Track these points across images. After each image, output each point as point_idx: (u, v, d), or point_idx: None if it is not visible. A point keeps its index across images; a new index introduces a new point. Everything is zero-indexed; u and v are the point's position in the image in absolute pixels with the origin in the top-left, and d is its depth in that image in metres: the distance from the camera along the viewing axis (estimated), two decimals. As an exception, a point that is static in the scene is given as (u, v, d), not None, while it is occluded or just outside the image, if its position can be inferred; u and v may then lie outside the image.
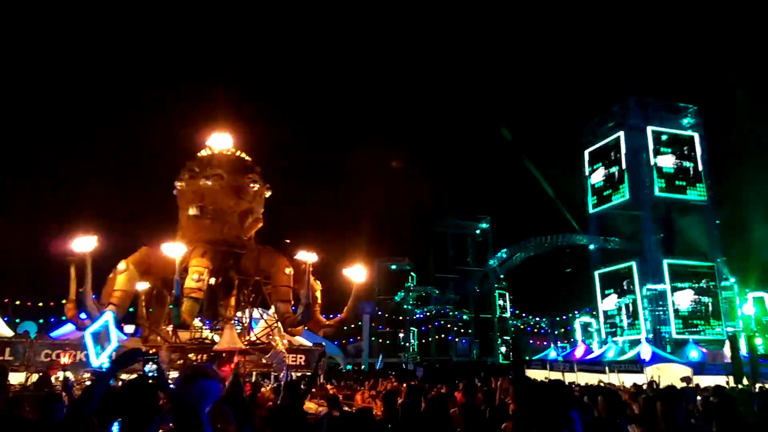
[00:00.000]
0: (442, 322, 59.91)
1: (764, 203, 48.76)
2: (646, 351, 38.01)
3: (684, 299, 43.18)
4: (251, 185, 12.28)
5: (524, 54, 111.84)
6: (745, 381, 14.15)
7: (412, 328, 59.08)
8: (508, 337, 59.17)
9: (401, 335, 59.64)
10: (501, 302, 59.31)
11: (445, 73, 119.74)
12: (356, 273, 10.36)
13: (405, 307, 57.68)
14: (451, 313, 59.08)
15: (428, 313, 59.00)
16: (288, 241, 10.78)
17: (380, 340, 57.24)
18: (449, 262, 59.76)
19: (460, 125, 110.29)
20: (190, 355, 11.04)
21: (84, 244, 9.03)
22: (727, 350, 33.09)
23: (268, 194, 12.86)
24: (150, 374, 3.71)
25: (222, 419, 4.87)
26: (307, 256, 10.21)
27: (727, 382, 23.42)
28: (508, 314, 59.96)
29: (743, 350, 25.38)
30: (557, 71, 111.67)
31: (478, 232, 61.43)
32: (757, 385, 11.51)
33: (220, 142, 12.68)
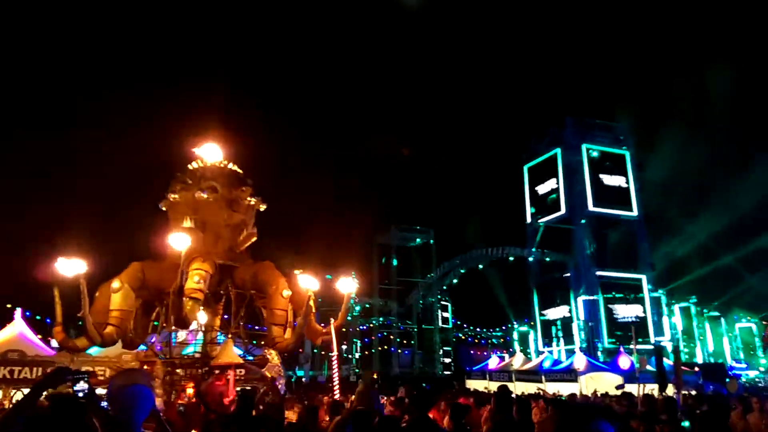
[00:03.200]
0: (385, 333, 59.98)
1: (690, 219, 51.73)
2: (580, 360, 39.31)
3: (621, 310, 45.04)
4: (245, 198, 12.03)
5: (468, 73, 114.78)
6: (670, 389, 15.02)
7: (354, 340, 58.81)
8: (450, 348, 59.85)
9: (344, 347, 59.28)
10: (443, 314, 60.03)
11: (393, 90, 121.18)
12: (346, 285, 10.30)
13: (348, 318, 57.48)
14: (394, 325, 59.25)
15: (371, 325, 58.94)
16: (298, 271, 10.47)
17: (323, 352, 56.71)
18: (393, 274, 60.05)
19: (406, 140, 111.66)
20: (179, 371, 10.68)
21: (72, 266, 8.45)
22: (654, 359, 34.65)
23: (262, 207, 12.60)
24: (80, 394, 3.49)
25: None
26: (310, 284, 9.99)
27: (641, 388, 24.52)
28: (450, 325, 60.70)
29: (668, 360, 26.63)
30: (498, 92, 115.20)
31: (421, 243, 62.05)
32: (682, 392, 12.17)
33: (210, 153, 12.32)
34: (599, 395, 18.06)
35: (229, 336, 11.48)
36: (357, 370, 56.53)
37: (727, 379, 25.92)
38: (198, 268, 10.62)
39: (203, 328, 12.14)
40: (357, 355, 60.60)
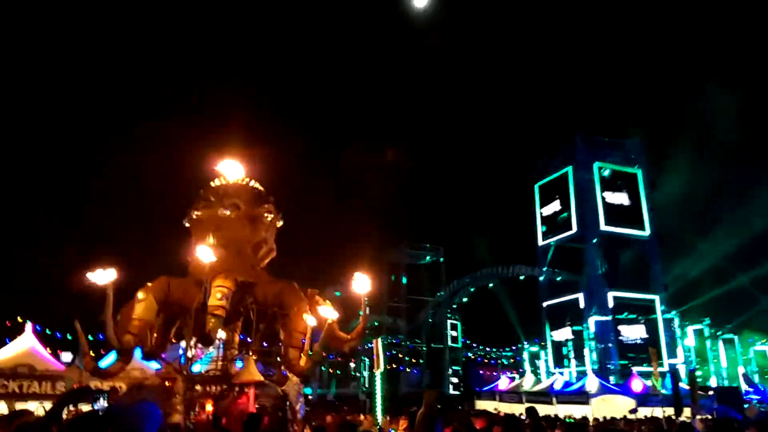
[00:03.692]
0: (394, 352, 59.61)
1: (703, 239, 51.21)
2: (592, 382, 38.78)
3: (628, 331, 44.49)
4: (266, 215, 12.16)
5: (479, 91, 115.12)
6: (687, 412, 14.70)
7: (363, 358, 58.45)
8: (459, 368, 59.29)
9: (352, 365, 58.89)
10: (452, 332, 59.60)
11: (404, 107, 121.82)
12: (361, 283, 10.28)
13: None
14: (402, 343, 58.89)
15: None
16: (320, 299, 10.59)
17: (330, 370, 56.31)
18: (402, 292, 59.85)
19: (416, 156, 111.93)
20: (197, 387, 10.73)
21: (104, 276, 8.82)
22: (667, 382, 34.09)
23: (280, 224, 12.72)
24: (100, 411, 3.53)
25: None
26: (329, 314, 10.06)
27: (664, 413, 24.07)
28: (459, 344, 60.23)
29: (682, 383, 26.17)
30: (508, 110, 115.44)
31: (431, 261, 61.88)
32: (697, 417, 11.89)
33: (232, 170, 12.49)
34: (616, 419, 17.76)
35: (251, 354, 11.48)
36: (365, 389, 56.11)
37: (746, 405, 25.40)
38: (220, 285, 10.68)
39: (218, 345, 12.19)
40: (365, 374, 60.20)
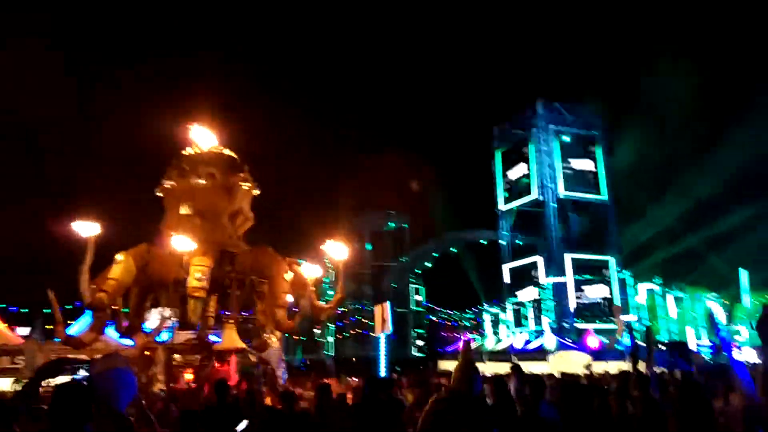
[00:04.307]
0: (359, 317, 60.37)
1: (657, 202, 53.19)
2: (550, 341, 40.40)
3: (590, 291, 46.25)
4: (242, 184, 11.93)
5: (440, 60, 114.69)
6: (641, 366, 15.60)
7: (328, 324, 59.02)
8: (423, 331, 60.60)
9: (317, 331, 59.44)
10: (416, 297, 60.68)
11: (366, 74, 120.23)
12: (336, 249, 10.38)
13: (322, 302, 57.41)
14: (367, 308, 59.66)
15: (345, 309, 59.20)
16: (302, 261, 10.53)
17: (295, 337, 56.77)
18: (366, 258, 60.30)
19: (380, 124, 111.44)
20: (176, 356, 10.68)
21: (87, 228, 8.65)
22: (624, 338, 35.80)
23: (256, 192, 12.47)
24: (82, 382, 3.54)
25: (146, 423, 4.69)
26: (312, 271, 10.09)
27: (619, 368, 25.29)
28: (422, 308, 61.41)
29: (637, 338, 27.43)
30: (468, 77, 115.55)
31: (395, 227, 62.38)
32: (657, 369, 12.64)
33: (204, 138, 12.08)
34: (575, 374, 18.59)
35: (231, 321, 11.51)
36: (331, 354, 56.91)
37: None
38: (199, 264, 10.60)
39: (175, 316, 12.12)
40: (331, 339, 60.91)
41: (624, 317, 44.55)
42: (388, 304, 9.81)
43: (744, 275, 28.62)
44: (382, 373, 9.34)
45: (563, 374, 18.30)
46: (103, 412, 3.28)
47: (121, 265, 10.51)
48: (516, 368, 6.66)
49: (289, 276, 10.87)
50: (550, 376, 16.35)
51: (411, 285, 60.93)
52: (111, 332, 20.28)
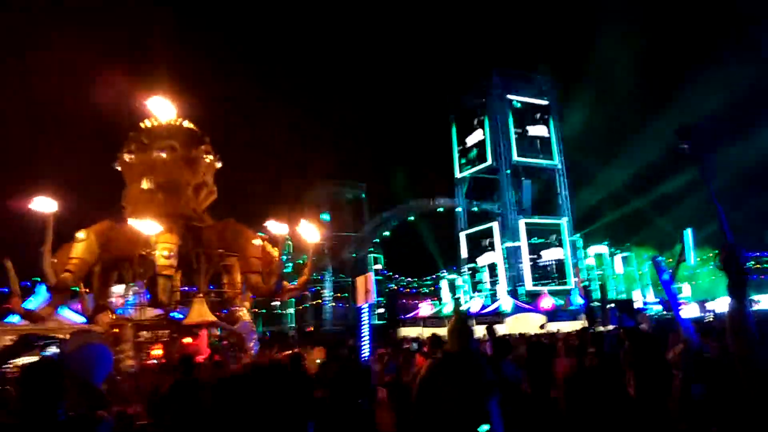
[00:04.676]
0: (318, 288, 60.48)
1: (605, 167, 54.93)
2: (506, 303, 41.69)
3: (538, 255, 47.71)
4: (204, 156, 11.53)
5: (396, 27, 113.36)
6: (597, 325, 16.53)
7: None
8: (383, 299, 61.37)
9: (277, 303, 59.34)
10: (376, 266, 61.14)
11: (320, 40, 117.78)
12: (309, 232, 10.36)
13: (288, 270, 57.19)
14: (327, 279, 59.78)
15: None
16: (266, 223, 10.34)
17: (255, 310, 56.59)
18: (325, 229, 60.14)
19: (339, 93, 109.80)
20: (143, 333, 10.40)
21: (45, 204, 8.19)
22: (575, 299, 37.33)
23: (219, 165, 12.11)
24: (52, 357, 3.52)
25: (121, 399, 4.71)
26: (279, 228, 9.94)
27: (578, 326, 26.35)
28: (381, 277, 62.01)
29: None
30: (425, 45, 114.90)
31: (352, 197, 62.35)
32: (609, 327, 13.32)
33: (163, 109, 11.52)
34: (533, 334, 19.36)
35: (200, 296, 11.38)
36: (292, 325, 57.05)
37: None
38: (165, 242, 10.37)
39: (135, 290, 11.92)
40: (291, 311, 60.90)
41: (574, 279, 46.35)
42: (372, 275, 9.96)
43: (689, 234, 30.20)
44: (366, 342, 9.48)
45: (521, 335, 19.03)
46: (77, 388, 3.28)
47: (84, 243, 10.19)
48: (490, 330, 6.94)
49: (257, 242, 10.83)
50: (510, 336, 16.98)
51: (370, 254, 61.34)
52: (65, 311, 19.78)
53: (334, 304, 61.18)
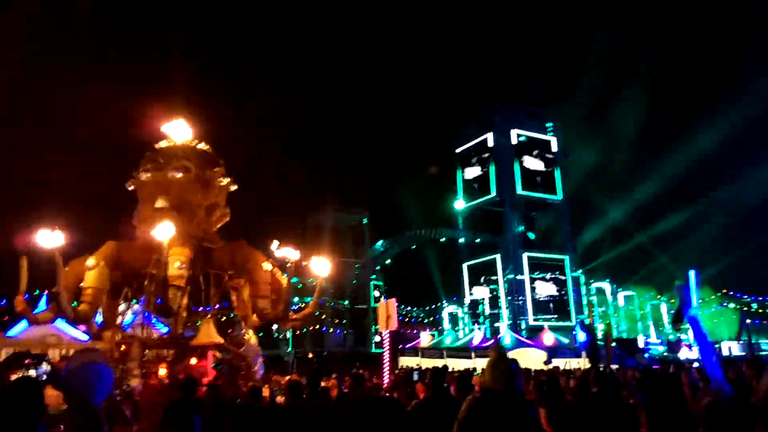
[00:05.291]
0: (318, 313, 60.11)
1: (609, 204, 55.04)
2: (507, 337, 41.23)
3: (540, 289, 47.44)
4: (218, 179, 11.63)
5: (402, 60, 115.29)
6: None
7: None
8: (382, 327, 60.88)
9: (275, 326, 58.83)
10: (376, 293, 60.85)
11: (326, 70, 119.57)
12: (320, 266, 10.36)
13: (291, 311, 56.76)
14: (326, 304, 59.45)
15: (303, 304, 58.78)
16: (277, 241, 10.32)
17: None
18: (326, 254, 60.10)
19: (345, 120, 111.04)
20: (147, 352, 10.28)
21: (50, 238, 8.00)
22: (578, 336, 36.92)
23: (233, 188, 12.22)
24: (42, 375, 3.49)
25: (120, 419, 4.63)
26: (291, 254, 9.92)
27: (577, 364, 26.08)
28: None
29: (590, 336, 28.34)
30: (429, 78, 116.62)
31: (355, 223, 62.42)
32: (613, 367, 13.14)
33: (179, 131, 11.69)
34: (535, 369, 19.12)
35: (209, 316, 11.30)
36: (290, 350, 56.45)
37: (645, 355, 28.12)
38: (178, 254, 10.37)
39: (134, 309, 11.85)
40: (288, 335, 60.42)
41: (579, 316, 46.00)
42: (394, 301, 9.90)
43: (692, 276, 29.95)
44: (387, 370, 9.35)
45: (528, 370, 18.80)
46: (75, 406, 3.25)
47: (95, 271, 10.17)
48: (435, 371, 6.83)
49: (266, 267, 10.82)
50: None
51: (371, 281, 61.09)
52: (64, 325, 19.62)
53: (332, 329, 60.66)
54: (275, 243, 10.60)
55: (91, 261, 10.25)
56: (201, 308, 11.43)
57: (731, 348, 39.36)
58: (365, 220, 62.41)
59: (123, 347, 10.14)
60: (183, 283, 10.30)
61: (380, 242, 53.96)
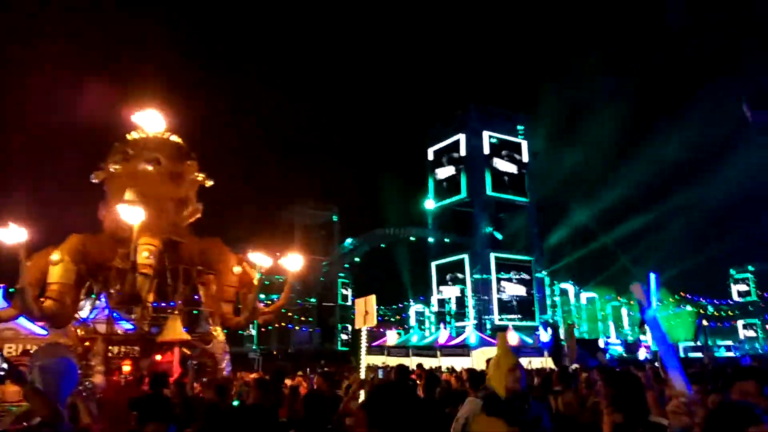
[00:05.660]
0: (284, 311, 59.69)
1: (573, 206, 56.18)
2: (472, 336, 41.71)
3: (506, 290, 48.09)
4: (190, 172, 11.37)
5: (380, 60, 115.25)
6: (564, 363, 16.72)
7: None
8: (349, 325, 60.85)
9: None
10: (344, 291, 60.79)
11: (304, 68, 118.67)
12: (292, 262, 10.26)
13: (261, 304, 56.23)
14: (293, 301, 59.12)
15: (270, 301, 58.28)
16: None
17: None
18: (295, 250, 59.72)
19: (315, 117, 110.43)
20: (112, 348, 9.96)
21: (13, 234, 7.66)
22: (542, 336, 37.64)
23: (209, 183, 11.96)
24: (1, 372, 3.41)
25: (85, 416, 4.56)
26: (262, 260, 9.79)
27: (540, 363, 26.58)
28: (349, 302, 61.64)
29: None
30: (405, 78, 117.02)
31: (324, 220, 62.19)
32: (574, 366, 13.49)
33: (152, 122, 11.37)
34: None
35: (176, 312, 11.11)
36: (256, 347, 55.92)
37: (607, 355, 28.84)
38: (147, 243, 10.17)
39: (91, 302, 11.61)
40: (254, 332, 59.89)
41: (543, 316, 46.81)
42: (374, 297, 9.91)
43: (653, 278, 30.83)
44: (363, 366, 9.35)
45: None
46: (37, 402, 3.19)
47: (60, 265, 9.91)
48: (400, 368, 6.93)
49: (237, 270, 10.71)
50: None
51: (339, 279, 60.96)
52: (21, 319, 19.06)
53: (298, 327, 60.35)
54: (251, 253, 10.56)
55: (55, 256, 10.00)
56: (166, 303, 11.24)
57: (686, 349, 40.70)
58: (335, 217, 62.20)
59: (87, 343, 9.92)
60: (150, 271, 10.14)
61: (349, 240, 53.91)
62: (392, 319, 63.14)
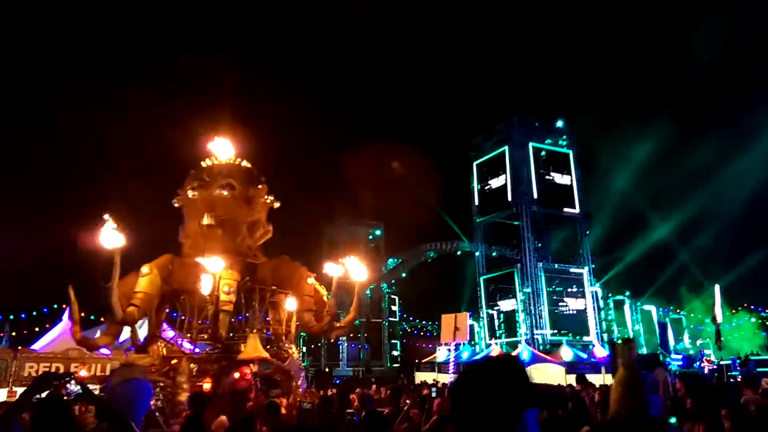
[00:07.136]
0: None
1: (627, 217, 54.73)
2: (525, 352, 40.93)
3: (558, 303, 47.09)
4: (261, 196, 11.98)
5: (415, 74, 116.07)
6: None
7: (302, 333, 58.45)
8: (397, 341, 60.63)
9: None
10: (391, 306, 60.64)
11: (339, 82, 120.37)
12: (357, 271, 10.58)
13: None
14: (341, 318, 59.46)
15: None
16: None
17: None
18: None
19: (354, 135, 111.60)
20: (192, 366, 10.49)
21: (113, 239, 8.42)
22: (598, 351, 36.64)
23: (276, 205, 12.59)
24: (73, 393, 3.57)
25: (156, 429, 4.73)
26: (335, 270, 10.24)
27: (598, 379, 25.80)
28: (397, 318, 61.45)
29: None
30: (448, 90, 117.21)
31: (370, 237, 62.43)
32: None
33: (223, 150, 12.12)
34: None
35: (255, 331, 11.48)
36: (305, 364, 56.37)
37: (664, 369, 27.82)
38: (227, 278, 10.60)
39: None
40: (303, 349, 60.39)
41: (598, 331, 45.51)
42: (466, 315, 10.05)
43: (717, 290, 29.67)
44: (452, 374, 9.42)
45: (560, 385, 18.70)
46: (111, 422, 3.31)
47: (148, 277, 10.43)
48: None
49: (310, 281, 11.04)
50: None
51: (386, 295, 60.95)
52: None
53: (347, 344, 60.50)
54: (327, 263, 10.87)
55: (145, 269, 10.55)
56: (241, 318, 11.63)
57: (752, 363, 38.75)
58: (380, 233, 62.41)
59: (174, 361, 10.31)
60: (231, 308, 10.53)
61: (393, 258, 53.99)
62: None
